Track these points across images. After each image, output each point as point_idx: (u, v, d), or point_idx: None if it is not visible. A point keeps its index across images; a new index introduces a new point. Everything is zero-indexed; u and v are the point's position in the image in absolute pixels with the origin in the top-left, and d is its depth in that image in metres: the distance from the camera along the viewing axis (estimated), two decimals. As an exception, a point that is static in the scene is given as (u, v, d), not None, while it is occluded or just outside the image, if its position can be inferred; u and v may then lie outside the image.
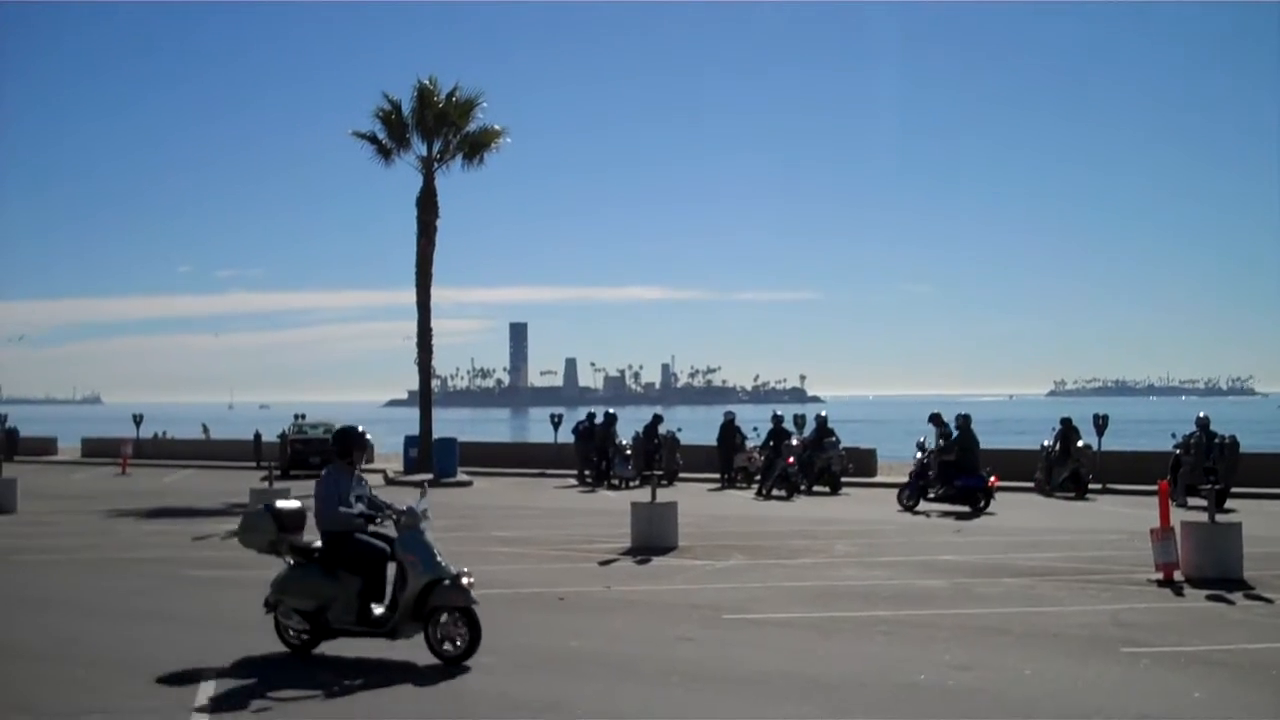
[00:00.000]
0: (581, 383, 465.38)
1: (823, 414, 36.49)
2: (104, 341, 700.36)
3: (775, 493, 32.72)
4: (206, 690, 10.75)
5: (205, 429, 72.49)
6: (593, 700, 10.31)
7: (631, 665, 11.85)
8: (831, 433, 35.15)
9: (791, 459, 32.96)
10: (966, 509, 27.94)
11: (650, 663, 11.95)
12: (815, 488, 33.83)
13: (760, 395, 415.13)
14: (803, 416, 37.56)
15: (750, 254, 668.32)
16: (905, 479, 35.08)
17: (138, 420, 58.11)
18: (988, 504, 28.15)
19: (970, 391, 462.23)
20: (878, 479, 37.50)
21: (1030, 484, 32.94)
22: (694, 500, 29.75)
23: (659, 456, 36.54)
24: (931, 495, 28.73)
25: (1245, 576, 16.50)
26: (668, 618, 14.40)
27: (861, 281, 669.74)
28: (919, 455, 30.10)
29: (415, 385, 46.22)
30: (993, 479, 28.53)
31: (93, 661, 12.11)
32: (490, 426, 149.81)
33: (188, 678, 11.15)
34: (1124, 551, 19.47)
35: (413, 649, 11.98)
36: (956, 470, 28.74)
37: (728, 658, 12.19)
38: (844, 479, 34.33)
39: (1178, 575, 16.55)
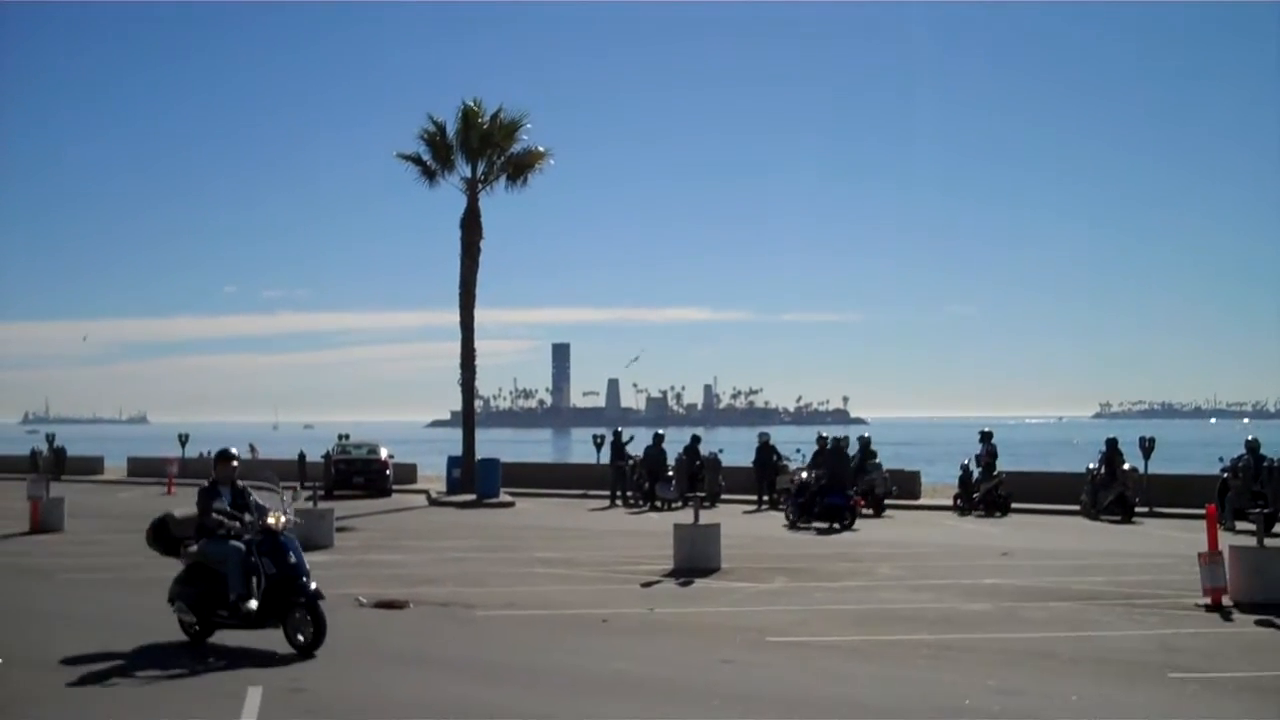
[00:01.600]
0: (624, 403, 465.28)
1: (866, 435, 36.35)
2: (151, 361, 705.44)
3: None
4: (252, 706, 10.81)
5: (253, 448, 72.86)
6: (635, 722, 10.30)
7: (674, 687, 11.82)
8: (874, 454, 35.01)
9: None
10: (835, 525, 29.32)
11: (693, 685, 11.92)
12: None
13: (803, 417, 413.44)
14: (845, 438, 37.40)
15: (794, 275, 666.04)
16: (949, 500, 35.06)
17: (183, 440, 58.48)
18: (852, 522, 29.46)
19: (1016, 413, 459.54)
20: (922, 501, 37.30)
21: (1077, 507, 32.66)
22: (735, 522, 29.69)
23: (702, 477, 36.47)
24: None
25: (1295, 601, 16.30)
26: (710, 640, 14.36)
27: (906, 303, 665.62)
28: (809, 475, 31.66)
29: (458, 406, 46.31)
30: (857, 500, 30.58)
31: (126, 674, 12.19)
32: (532, 447, 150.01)
33: (233, 696, 11.18)
34: (1171, 575, 19.27)
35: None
36: (826, 489, 30.02)
37: (770, 680, 12.14)
38: (887, 501, 34.14)
39: (1226, 600, 16.37)
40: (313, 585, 13.45)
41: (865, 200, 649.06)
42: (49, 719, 10.82)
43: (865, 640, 14.30)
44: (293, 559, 13.59)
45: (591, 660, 13.30)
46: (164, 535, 14.67)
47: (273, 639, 13.48)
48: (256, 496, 14.62)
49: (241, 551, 13.75)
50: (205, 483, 14.57)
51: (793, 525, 30.15)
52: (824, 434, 35.77)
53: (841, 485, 30.40)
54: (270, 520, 13.84)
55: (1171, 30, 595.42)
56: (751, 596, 17.88)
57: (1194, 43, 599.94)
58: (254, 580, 13.58)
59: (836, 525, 29.33)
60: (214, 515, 14.08)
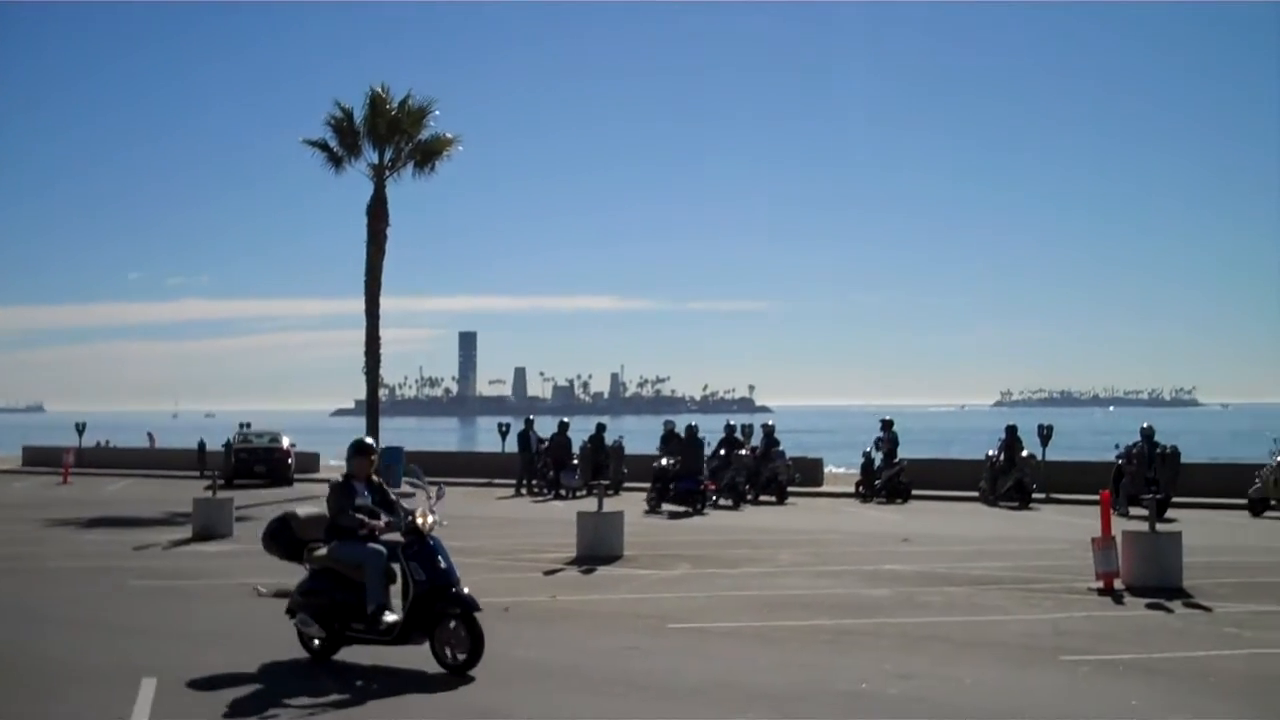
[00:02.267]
0: (530, 392, 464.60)
1: (770, 424, 36.63)
2: (48, 349, 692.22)
3: (721, 502, 32.75)
4: (146, 696, 10.63)
5: (151, 437, 71.78)
6: (536, 709, 10.30)
7: (576, 674, 11.84)
8: (778, 443, 35.29)
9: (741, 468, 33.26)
10: (688, 510, 30.54)
11: (595, 672, 11.96)
12: (761, 497, 33.92)
13: (709, 405, 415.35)
14: (750, 426, 37.61)
15: (701, 264, 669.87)
16: (851, 488, 35.44)
17: (80, 428, 57.52)
18: (703, 506, 30.84)
19: (919, 401, 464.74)
20: (824, 488, 37.67)
21: (976, 493, 33.15)
22: (639, 510, 29.79)
23: (607, 466, 36.52)
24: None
25: (1185, 585, 16.66)
26: (613, 627, 14.40)
27: (810, 292, 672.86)
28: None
29: (363, 394, 45.92)
30: (708, 484, 31.94)
31: (31, 669, 11.97)
32: (438, 435, 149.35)
33: (127, 685, 10.99)
34: (1066, 561, 19.62)
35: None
36: (679, 475, 31.62)
37: (672, 667, 12.20)
38: (790, 489, 34.44)
39: (1118, 584, 16.71)
40: (466, 592, 11.87)
41: (768, 189, 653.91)
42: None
43: (766, 626, 14.42)
44: (443, 564, 11.94)
45: (494, 647, 13.19)
46: (285, 537, 12.96)
47: (410, 655, 12.05)
48: (394, 493, 13.12)
49: (383, 555, 12.18)
50: (339, 478, 12.90)
51: (650, 510, 30.88)
52: (732, 422, 36.06)
53: (694, 471, 31.95)
54: (419, 520, 12.09)
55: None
56: (654, 583, 17.95)
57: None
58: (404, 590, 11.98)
59: (689, 510, 30.40)
60: (353, 514, 12.45)
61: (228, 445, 45.18)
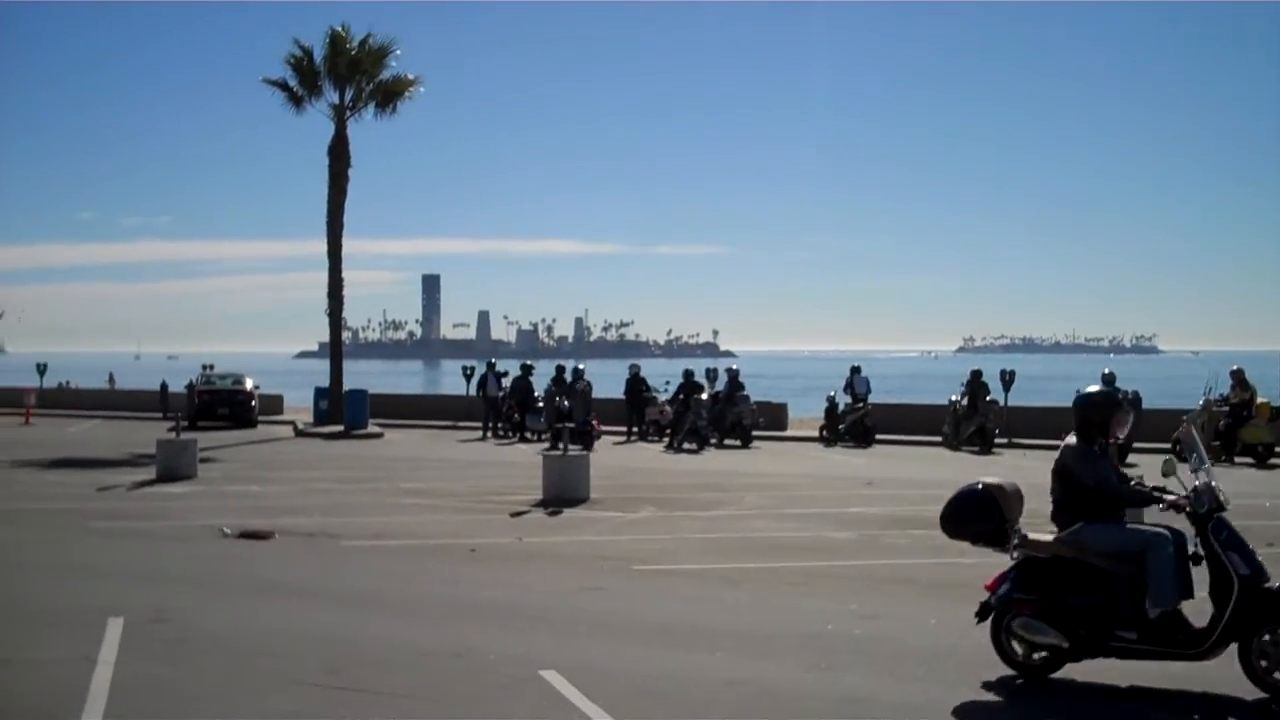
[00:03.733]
0: (494, 336, 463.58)
1: (734, 368, 36.71)
2: (7, 289, 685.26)
3: (686, 446, 32.88)
4: (114, 636, 10.60)
5: (112, 378, 71.38)
6: (503, 648, 10.32)
7: (542, 615, 11.89)
8: (742, 387, 35.39)
9: (703, 412, 33.30)
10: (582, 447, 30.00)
11: (560, 612, 12.01)
12: (726, 441, 34.06)
13: (673, 350, 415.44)
14: (715, 371, 37.70)
15: (665, 208, 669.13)
16: (815, 432, 35.60)
17: (41, 369, 57.12)
18: (591, 444, 30.16)
19: (882, 348, 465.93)
20: (789, 433, 37.82)
21: (939, 438, 33.35)
22: (604, 453, 29.86)
23: (571, 409, 36.50)
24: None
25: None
26: (578, 569, 14.45)
27: (774, 237, 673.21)
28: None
29: (326, 336, 45.86)
30: (595, 423, 32.50)
31: (-6, 612, 11.94)
32: (402, 379, 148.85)
33: (94, 626, 10.95)
34: (1028, 504, 19.68)
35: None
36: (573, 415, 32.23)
37: (637, 608, 12.28)
38: (755, 433, 34.57)
39: (1079, 527, 16.81)
40: None
41: (733, 134, 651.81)
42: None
43: (731, 568, 14.49)
44: (1256, 553, 9.17)
45: (460, 589, 13.32)
46: (991, 515, 10.24)
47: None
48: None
49: (1172, 541, 9.33)
50: (1072, 439, 10.04)
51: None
52: (689, 369, 36.21)
53: (587, 413, 32.74)
54: (1221, 496, 9.20)
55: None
56: (620, 526, 18.02)
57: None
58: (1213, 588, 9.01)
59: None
60: (1121, 485, 9.86)
61: (191, 387, 44.98)
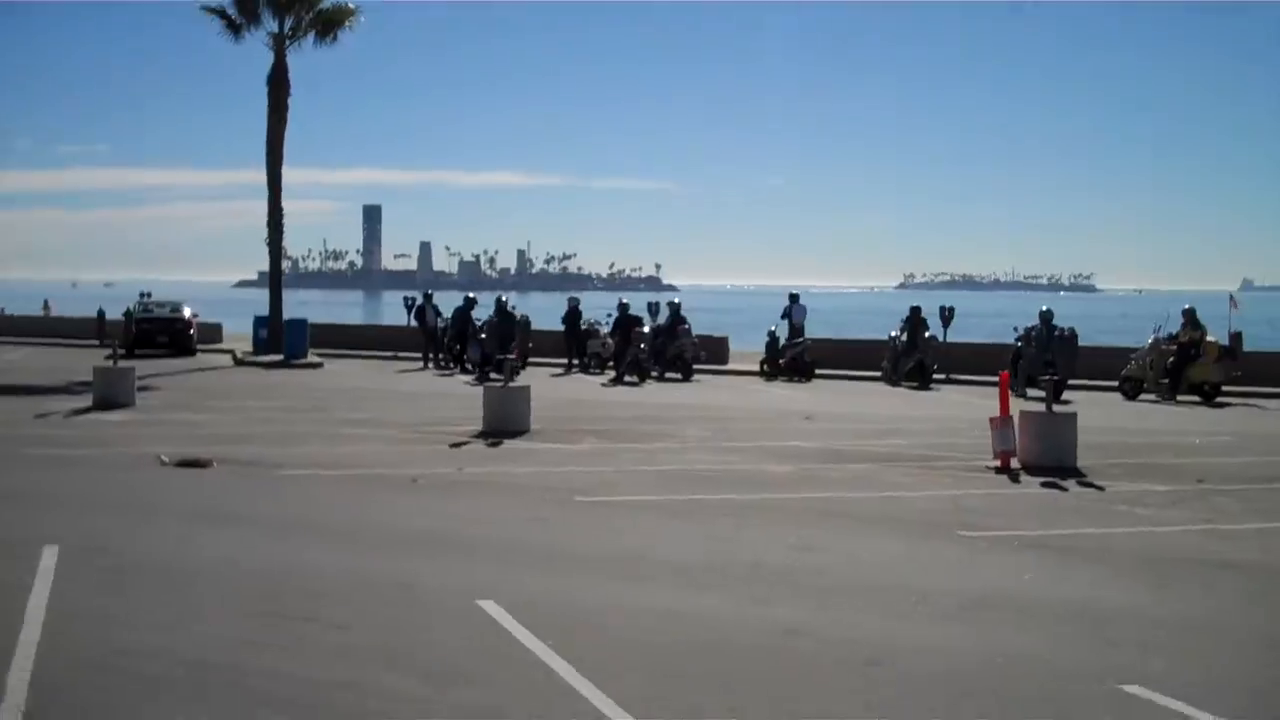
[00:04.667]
0: (436, 267, 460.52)
1: (676, 301, 36.69)
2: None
3: (627, 379, 32.93)
4: (49, 564, 10.54)
5: (46, 305, 70.42)
6: (442, 579, 10.37)
7: (482, 545, 11.94)
8: (684, 320, 35.37)
9: (643, 345, 33.32)
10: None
11: (501, 542, 12.06)
12: (667, 375, 34.12)
13: (616, 283, 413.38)
14: (656, 304, 37.68)
15: (607, 141, 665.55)
16: (756, 366, 35.70)
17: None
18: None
19: (825, 283, 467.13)
20: (730, 366, 37.91)
21: (878, 373, 33.56)
22: (544, 385, 29.79)
23: (513, 339, 36.40)
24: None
25: (1079, 465, 17.05)
26: (519, 499, 14.48)
27: (716, 172, 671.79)
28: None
29: (266, 266, 45.44)
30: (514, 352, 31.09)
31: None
32: (342, 310, 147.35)
33: (28, 554, 10.86)
34: (965, 440, 19.97)
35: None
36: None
37: (578, 539, 12.34)
38: (696, 366, 34.64)
39: (1015, 463, 17.05)
40: None
41: (679, 67, 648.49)
42: None
43: (671, 500, 14.59)
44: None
45: (400, 518, 13.33)
46: None
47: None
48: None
49: None
50: None
51: (478, 380, 31.65)
52: (624, 300, 36.25)
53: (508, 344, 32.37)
54: None
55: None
56: (561, 457, 18.05)
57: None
58: None
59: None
60: None
61: (128, 314, 44.39)
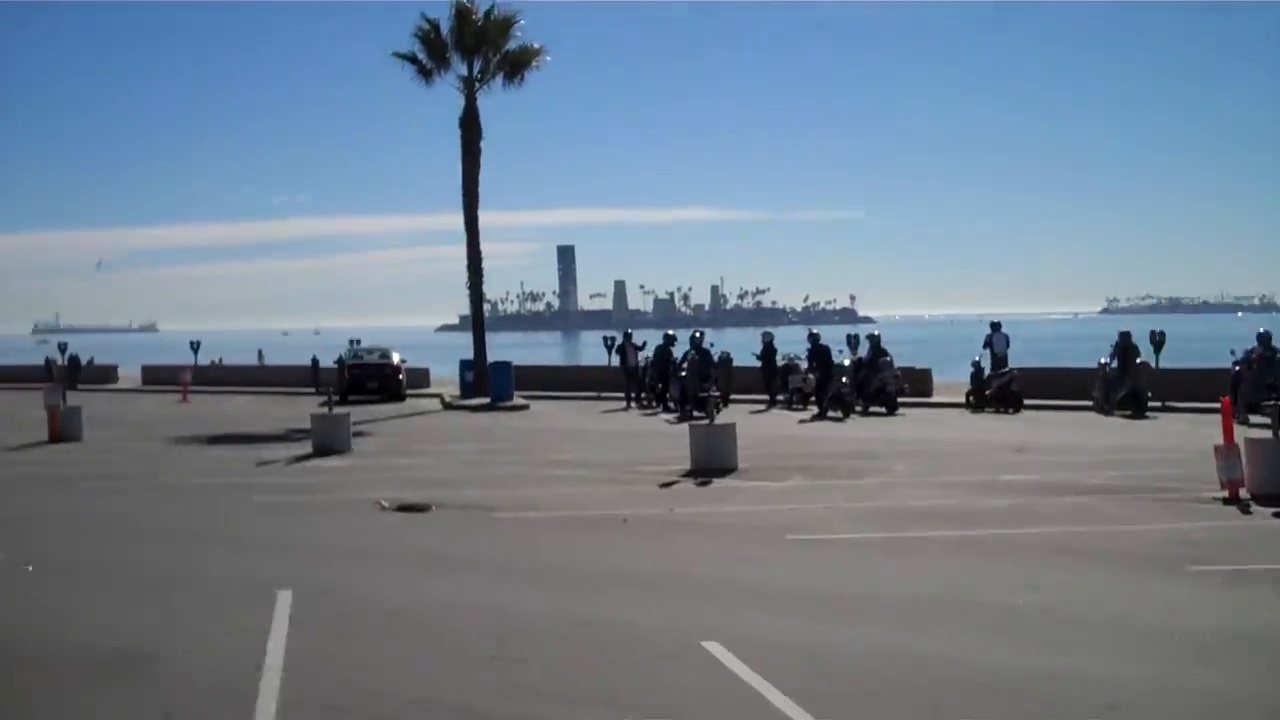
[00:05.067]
0: (631, 305, 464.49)
1: (876, 333, 36.38)
2: (159, 270, 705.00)
3: (830, 414, 32.69)
4: (283, 607, 10.86)
5: (261, 355, 73.19)
6: (662, 619, 10.40)
7: (698, 585, 11.94)
8: (885, 352, 35.01)
9: (844, 379, 33.09)
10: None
11: (717, 583, 12.05)
12: (871, 409, 33.77)
13: (810, 316, 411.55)
14: (856, 337, 37.38)
15: (796, 173, 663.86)
16: (961, 398, 35.11)
17: (195, 347, 58.66)
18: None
19: (1023, 310, 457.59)
20: (934, 399, 37.36)
21: (1089, 402, 32.69)
22: (746, 422, 29.71)
23: (715, 378, 36.47)
24: None
25: (1311, 494, 16.35)
26: (731, 538, 14.49)
27: (909, 199, 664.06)
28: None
29: (465, 310, 46.31)
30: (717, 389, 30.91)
31: (167, 581, 12.29)
32: (542, 351, 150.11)
33: (263, 597, 11.22)
34: (1187, 470, 19.30)
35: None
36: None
37: (794, 578, 12.26)
38: (900, 399, 34.22)
39: (1243, 493, 16.43)
40: None
41: (866, 94, 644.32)
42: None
43: (885, 537, 14.41)
44: None
45: (615, 560, 13.42)
46: None
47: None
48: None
49: None
50: None
51: (679, 419, 31.75)
52: (814, 331, 36.16)
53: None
54: None
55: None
56: (770, 495, 17.99)
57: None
58: None
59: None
60: None
61: (340, 362, 45.75)
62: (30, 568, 13.01)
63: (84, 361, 58.89)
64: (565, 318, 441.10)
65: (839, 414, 32.56)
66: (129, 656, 9.32)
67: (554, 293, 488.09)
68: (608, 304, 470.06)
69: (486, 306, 47.70)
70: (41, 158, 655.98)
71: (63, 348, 59.62)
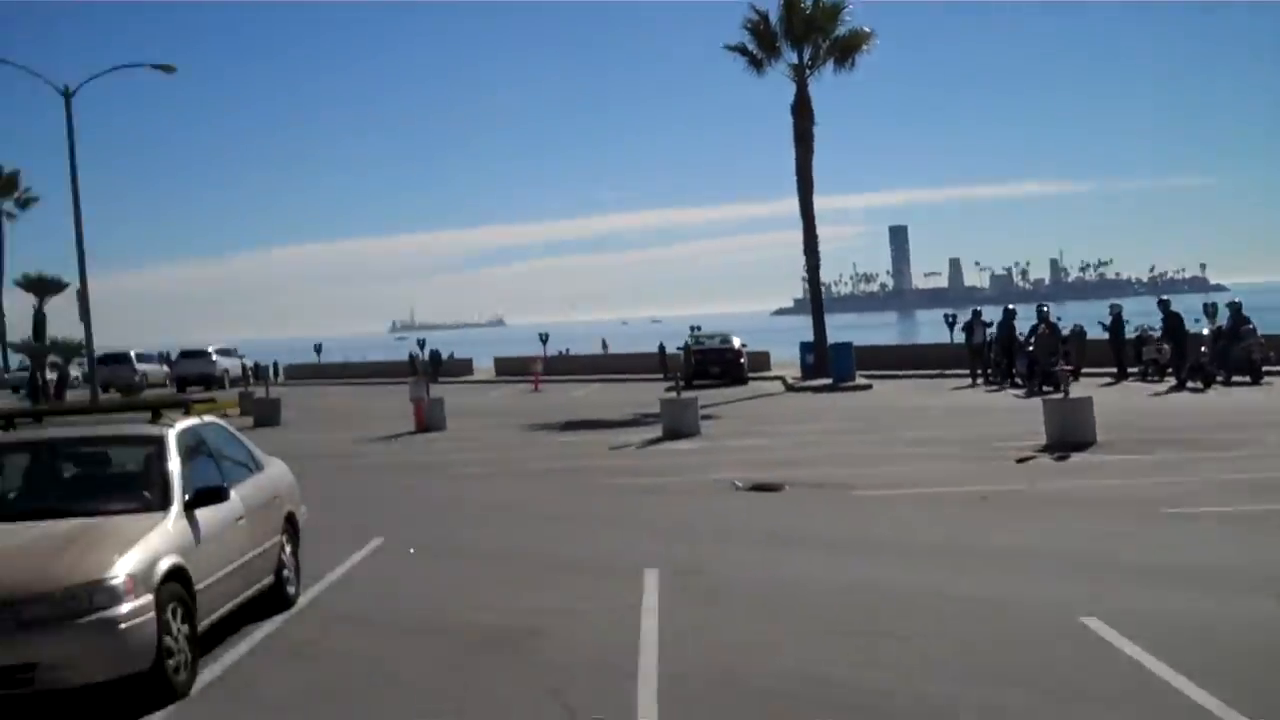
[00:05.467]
0: (967, 282, 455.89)
1: (1237, 301, 34.49)
2: (502, 268, 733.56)
3: (1189, 384, 31.19)
4: (652, 584, 11.10)
5: (604, 344, 75.28)
6: (1036, 594, 10.16)
7: (1067, 560, 11.61)
8: (1247, 320, 33.15)
9: (1203, 348, 31.51)
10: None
11: (1087, 557, 11.71)
12: (1234, 378, 32.03)
13: (1158, 287, 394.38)
14: (1214, 304, 35.59)
15: (1136, 141, 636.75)
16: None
17: (544, 339, 60.66)
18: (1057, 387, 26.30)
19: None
20: (1304, 366, 35.13)
21: None
22: (1098, 396, 28.62)
23: (1067, 351, 35.24)
24: None
25: None
26: (1101, 513, 14.03)
27: (1261, 163, 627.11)
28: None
29: (799, 294, 47.80)
30: (1064, 367, 28.09)
31: (540, 561, 12.79)
32: (878, 331, 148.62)
33: (632, 575, 11.52)
34: None
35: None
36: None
37: (1174, 553, 11.78)
38: (1265, 369, 32.33)
39: None
40: None
41: (1211, 59, 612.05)
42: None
43: (1265, 510, 13.65)
44: None
45: (977, 535, 13.20)
46: None
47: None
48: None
49: None
50: None
51: (1028, 394, 31.04)
52: (1164, 298, 34.52)
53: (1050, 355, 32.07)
54: None
55: None
56: (1135, 469, 17.33)
57: None
58: None
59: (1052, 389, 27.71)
60: None
61: (686, 348, 46.57)
62: (412, 550, 13.72)
63: (444, 356, 61.74)
64: (900, 297, 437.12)
65: (1199, 384, 31.00)
66: (513, 632, 9.69)
67: (887, 273, 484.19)
68: (942, 282, 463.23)
69: (822, 289, 47.64)
70: (401, 165, 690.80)
71: (422, 343, 62.59)
